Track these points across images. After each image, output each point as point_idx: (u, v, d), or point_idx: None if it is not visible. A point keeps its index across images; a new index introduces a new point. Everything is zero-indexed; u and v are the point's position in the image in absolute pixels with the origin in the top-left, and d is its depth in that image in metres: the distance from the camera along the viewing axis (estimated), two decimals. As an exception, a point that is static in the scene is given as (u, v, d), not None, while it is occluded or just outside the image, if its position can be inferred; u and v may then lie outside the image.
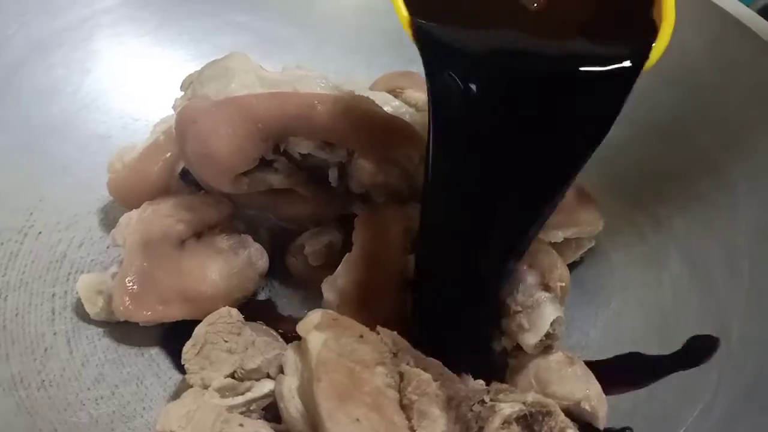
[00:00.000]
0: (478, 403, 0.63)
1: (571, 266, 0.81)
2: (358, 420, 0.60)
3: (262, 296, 0.84)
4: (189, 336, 0.71)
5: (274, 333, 0.76)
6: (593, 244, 0.85)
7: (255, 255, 0.82)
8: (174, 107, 0.87)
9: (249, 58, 0.81)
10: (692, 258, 0.80)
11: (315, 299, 0.78)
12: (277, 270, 0.86)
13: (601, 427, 0.68)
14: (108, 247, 0.85)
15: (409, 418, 0.61)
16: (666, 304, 0.80)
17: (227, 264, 0.80)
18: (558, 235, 0.80)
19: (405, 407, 0.62)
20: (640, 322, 0.80)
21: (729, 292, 0.75)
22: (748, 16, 0.81)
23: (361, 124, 0.77)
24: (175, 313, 0.77)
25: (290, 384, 0.65)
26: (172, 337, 0.77)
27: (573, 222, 0.81)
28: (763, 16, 0.81)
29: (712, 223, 0.80)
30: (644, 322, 0.80)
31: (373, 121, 0.78)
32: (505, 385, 0.66)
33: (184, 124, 0.78)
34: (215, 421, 0.62)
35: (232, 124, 0.75)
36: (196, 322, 0.73)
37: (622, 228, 0.87)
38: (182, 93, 0.87)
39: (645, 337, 0.78)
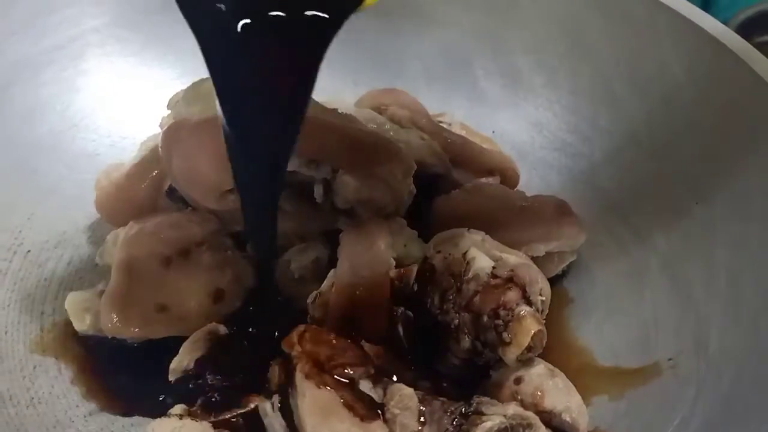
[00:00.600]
0: (460, 416, 0.64)
1: (553, 280, 0.83)
2: (341, 435, 0.61)
3: (246, 313, 0.85)
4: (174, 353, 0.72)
5: (259, 349, 0.76)
6: (575, 258, 0.86)
7: (242, 272, 0.83)
8: (160, 125, 0.88)
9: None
10: (672, 271, 0.82)
11: (301, 315, 0.79)
12: (261, 288, 0.86)
13: (585, 439, 0.69)
14: (96, 265, 0.85)
15: (391, 432, 0.63)
16: (647, 316, 0.81)
17: (214, 281, 0.81)
18: (540, 249, 0.81)
19: (388, 421, 0.63)
20: (621, 334, 0.81)
21: (707, 305, 0.76)
22: (723, 32, 0.82)
23: (345, 141, 0.78)
24: (162, 330, 0.78)
25: (274, 400, 0.66)
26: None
27: (554, 236, 0.82)
28: (740, 34, 0.83)
29: (691, 236, 0.81)
30: (625, 334, 0.81)
31: (357, 138, 0.79)
32: (486, 398, 0.67)
33: (170, 143, 0.79)
34: (201, 438, 0.62)
35: (217, 142, 0.75)
36: (182, 338, 0.74)
37: (603, 241, 0.89)
38: (168, 111, 0.88)
39: (626, 349, 0.79)
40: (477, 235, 0.77)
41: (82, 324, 0.79)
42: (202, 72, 0.84)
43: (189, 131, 0.78)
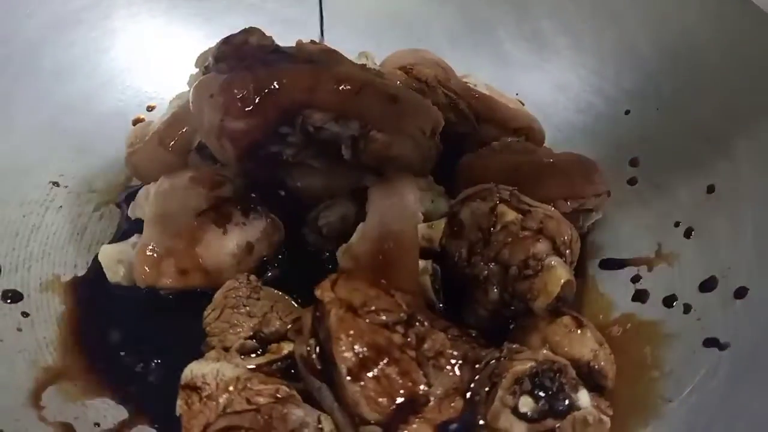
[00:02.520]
0: (492, 361, 0.65)
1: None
2: (376, 376, 0.62)
3: (276, 267, 0.86)
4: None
5: (290, 299, 0.77)
6: (600, 216, 0.87)
7: (271, 226, 0.84)
8: (189, 83, 0.89)
9: (264, 32, 0.83)
10: (697, 226, 0.82)
11: (328, 271, 0.80)
12: (290, 242, 0.87)
13: (610, 387, 0.70)
14: (128, 219, 0.86)
15: (426, 375, 0.64)
16: (671, 271, 0.81)
17: (244, 235, 0.82)
18: (566, 206, 0.82)
19: (421, 365, 0.64)
20: (645, 288, 0.82)
21: (733, 258, 0.76)
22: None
23: (374, 96, 0.79)
24: (193, 281, 0.79)
25: (309, 344, 0.67)
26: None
27: (581, 193, 0.83)
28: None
29: (716, 191, 0.82)
30: (651, 290, 0.82)
31: (386, 94, 0.79)
32: (516, 345, 0.68)
33: (201, 98, 0.80)
34: (238, 379, 0.64)
35: (248, 97, 0.76)
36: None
37: (628, 199, 0.89)
38: (197, 70, 0.89)
39: (651, 302, 0.80)
40: (505, 190, 0.78)
41: (115, 276, 0.80)
42: (228, 32, 0.87)
43: (219, 86, 0.78)
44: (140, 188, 0.85)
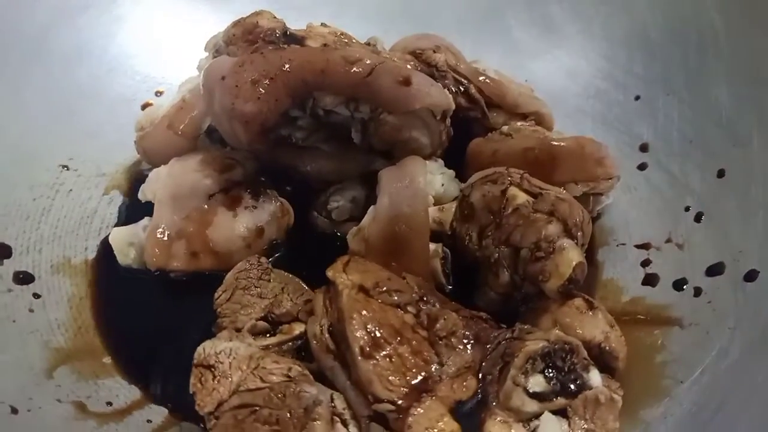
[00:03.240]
0: (504, 341, 0.66)
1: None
2: (389, 355, 0.62)
3: (285, 251, 0.86)
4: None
5: (300, 281, 0.77)
6: (610, 201, 0.87)
7: (281, 210, 0.84)
8: (199, 67, 0.89)
9: (274, 15, 0.83)
10: (708, 210, 0.82)
11: (337, 254, 0.80)
12: (299, 226, 0.88)
13: (621, 369, 0.70)
14: (138, 202, 0.86)
15: (438, 354, 0.64)
16: (682, 255, 0.81)
17: (254, 218, 0.82)
18: (577, 189, 0.82)
19: (433, 344, 0.65)
20: (656, 274, 0.82)
21: (744, 242, 0.76)
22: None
23: (386, 80, 0.79)
24: (203, 264, 0.80)
25: (321, 324, 0.67)
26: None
27: (591, 176, 0.83)
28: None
29: (726, 176, 0.82)
30: (661, 274, 0.81)
31: (398, 77, 0.79)
32: (528, 326, 0.68)
33: (212, 80, 0.79)
34: (251, 358, 0.64)
35: (259, 79, 0.76)
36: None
37: (636, 184, 0.89)
38: (206, 54, 0.89)
39: (661, 287, 0.80)
40: (516, 173, 0.78)
41: (126, 258, 0.80)
42: (238, 15, 0.87)
43: (231, 69, 0.78)
44: (150, 172, 0.85)
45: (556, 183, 0.80)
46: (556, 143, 0.85)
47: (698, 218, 0.83)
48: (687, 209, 0.84)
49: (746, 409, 0.64)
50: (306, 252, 0.85)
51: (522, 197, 0.75)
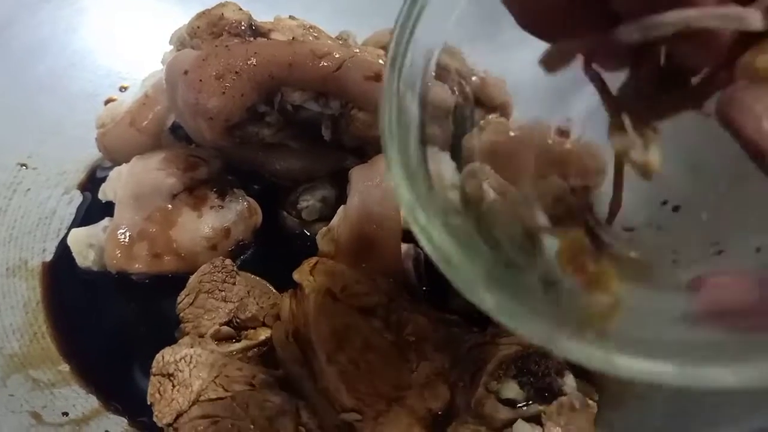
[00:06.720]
0: (476, 346, 0.63)
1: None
2: (356, 362, 0.60)
3: (253, 252, 0.83)
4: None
5: (267, 284, 0.75)
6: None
7: (248, 209, 0.81)
8: (163, 61, 0.85)
9: (240, 7, 0.80)
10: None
11: (307, 255, 0.77)
12: (268, 226, 0.85)
13: (597, 371, 0.68)
14: (99, 202, 0.83)
15: (407, 360, 0.61)
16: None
17: (220, 218, 0.79)
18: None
19: (402, 349, 0.62)
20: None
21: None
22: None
23: (356, 74, 0.76)
24: (167, 266, 0.77)
25: (287, 329, 0.65)
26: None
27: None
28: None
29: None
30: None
31: (368, 71, 0.77)
32: (501, 329, 0.66)
33: (175, 75, 0.77)
34: (213, 365, 0.61)
35: (223, 74, 0.73)
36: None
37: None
38: (171, 47, 0.86)
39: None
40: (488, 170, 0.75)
41: (85, 260, 0.77)
42: (203, 6, 0.84)
43: (194, 63, 0.75)
44: (111, 170, 0.82)
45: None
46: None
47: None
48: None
49: (726, 411, 0.63)
50: (275, 253, 0.82)
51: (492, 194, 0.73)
